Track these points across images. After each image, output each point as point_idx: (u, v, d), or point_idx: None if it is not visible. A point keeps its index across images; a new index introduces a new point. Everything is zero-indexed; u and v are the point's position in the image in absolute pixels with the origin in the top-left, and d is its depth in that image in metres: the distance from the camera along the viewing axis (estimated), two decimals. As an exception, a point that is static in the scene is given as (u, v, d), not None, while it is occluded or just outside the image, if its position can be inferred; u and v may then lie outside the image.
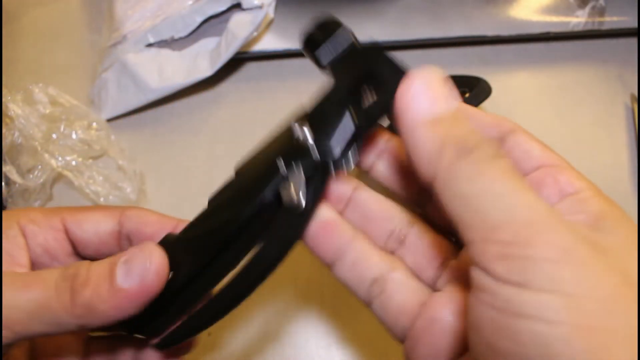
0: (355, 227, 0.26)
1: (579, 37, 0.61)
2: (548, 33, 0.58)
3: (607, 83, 0.59)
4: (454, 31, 0.58)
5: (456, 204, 0.19)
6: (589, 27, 0.59)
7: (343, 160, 0.24)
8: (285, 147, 0.26)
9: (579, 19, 0.58)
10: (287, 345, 0.47)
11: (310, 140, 0.25)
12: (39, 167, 0.49)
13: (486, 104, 0.47)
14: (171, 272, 0.25)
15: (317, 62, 0.27)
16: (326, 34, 0.27)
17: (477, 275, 0.18)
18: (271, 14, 0.56)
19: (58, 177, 0.52)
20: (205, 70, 0.55)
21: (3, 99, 0.50)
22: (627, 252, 0.18)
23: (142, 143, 0.56)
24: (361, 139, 0.24)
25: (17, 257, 0.25)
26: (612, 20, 0.59)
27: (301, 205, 0.24)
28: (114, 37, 0.57)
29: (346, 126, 0.24)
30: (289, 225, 0.24)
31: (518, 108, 0.58)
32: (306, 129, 0.25)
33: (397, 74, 0.23)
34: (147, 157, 0.55)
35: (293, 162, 0.24)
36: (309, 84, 0.60)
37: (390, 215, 0.27)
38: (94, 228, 0.28)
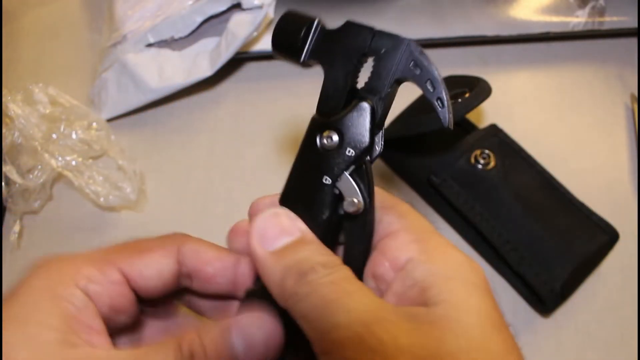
0: None
1: (579, 37, 0.61)
2: (548, 33, 0.58)
3: (607, 83, 0.59)
4: (454, 31, 0.58)
5: (302, 323, 0.22)
6: (589, 27, 0.59)
7: (374, 143, 0.25)
8: (319, 162, 0.26)
9: (579, 19, 0.58)
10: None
11: (336, 140, 0.25)
12: (39, 167, 0.49)
13: (486, 104, 0.47)
14: None
15: (296, 61, 0.27)
16: (294, 31, 0.27)
17: None
18: (271, 14, 0.56)
19: (58, 177, 0.52)
20: (205, 70, 0.55)
21: (3, 99, 0.50)
22: (446, 326, 0.21)
23: (142, 143, 0.56)
24: (379, 113, 0.25)
25: (92, 325, 0.23)
26: (612, 20, 0.59)
27: (364, 205, 0.25)
28: (114, 37, 0.57)
29: (361, 110, 0.25)
30: (364, 225, 0.25)
31: (518, 108, 0.58)
32: (325, 135, 0.26)
33: (388, 38, 0.25)
34: (147, 157, 0.55)
35: (334, 172, 0.25)
36: (308, 84, 0.60)
37: None
38: (156, 274, 0.26)
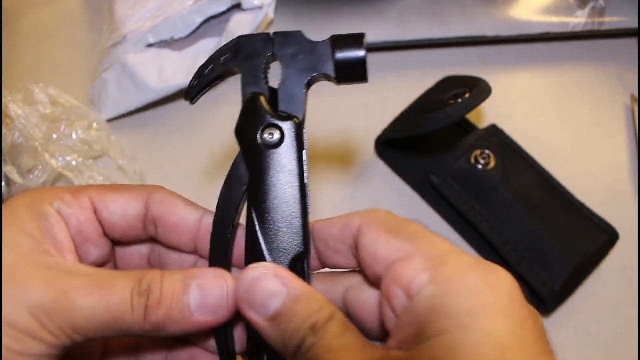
0: None
1: (579, 37, 0.61)
2: (548, 33, 0.58)
3: (607, 83, 0.59)
4: (454, 31, 0.58)
5: None
6: (589, 27, 0.59)
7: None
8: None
9: (579, 19, 0.58)
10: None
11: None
12: (39, 167, 0.49)
13: (486, 104, 0.47)
14: None
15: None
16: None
17: None
18: (271, 14, 0.56)
19: (58, 177, 0.52)
20: (205, 70, 0.55)
21: (3, 99, 0.50)
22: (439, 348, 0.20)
23: (142, 143, 0.56)
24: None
25: (63, 241, 0.25)
26: (612, 21, 0.59)
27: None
28: (114, 37, 0.57)
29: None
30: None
31: (518, 108, 0.58)
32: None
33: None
34: (147, 157, 0.55)
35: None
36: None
37: None
38: (122, 210, 0.27)
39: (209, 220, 0.28)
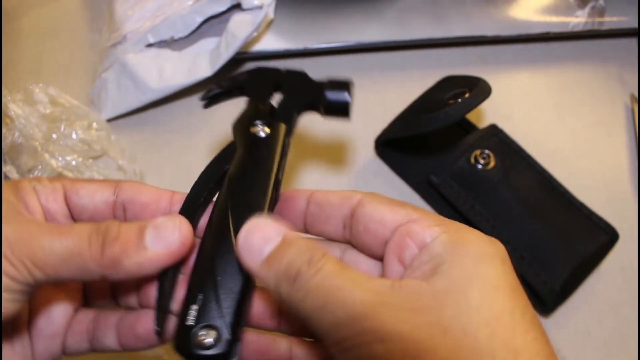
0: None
1: (579, 37, 0.61)
2: (548, 33, 0.58)
3: (607, 83, 0.59)
4: (454, 31, 0.58)
5: (306, 323, 0.24)
6: (589, 27, 0.59)
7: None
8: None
9: (579, 19, 0.59)
10: (287, 345, 0.47)
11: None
12: (39, 167, 0.49)
13: (486, 104, 0.47)
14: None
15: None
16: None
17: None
18: (271, 14, 0.56)
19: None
20: (205, 70, 0.55)
21: (3, 99, 0.50)
22: (450, 297, 0.22)
23: (142, 143, 0.56)
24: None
25: (35, 208, 0.27)
26: (612, 20, 0.59)
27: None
28: (114, 37, 0.57)
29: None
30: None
31: (518, 108, 0.58)
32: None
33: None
34: (147, 157, 0.55)
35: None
36: (309, 84, 0.60)
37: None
38: (90, 195, 0.29)
39: (181, 197, 0.30)
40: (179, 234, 0.26)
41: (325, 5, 0.59)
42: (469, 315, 0.22)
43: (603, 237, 0.47)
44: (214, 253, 0.27)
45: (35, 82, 0.53)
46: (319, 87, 0.34)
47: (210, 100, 0.38)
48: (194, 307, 0.26)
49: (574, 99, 0.59)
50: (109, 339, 0.30)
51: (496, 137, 0.51)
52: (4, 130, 0.49)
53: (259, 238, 0.25)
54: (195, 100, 0.59)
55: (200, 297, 0.26)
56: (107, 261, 0.25)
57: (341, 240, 0.29)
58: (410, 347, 0.21)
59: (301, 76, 0.35)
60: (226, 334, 0.25)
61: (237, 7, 0.55)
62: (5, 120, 0.50)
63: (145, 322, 0.29)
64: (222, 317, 0.25)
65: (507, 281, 0.23)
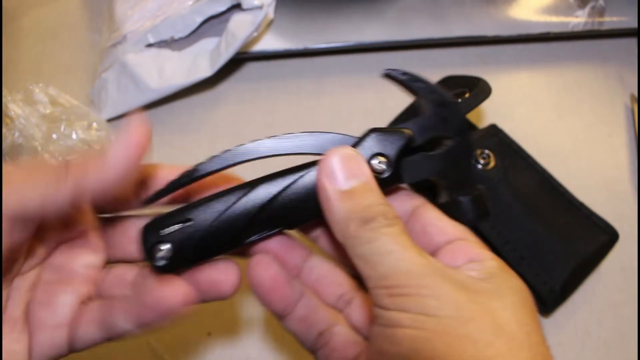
0: (308, 287, 0.31)
1: (579, 37, 0.61)
2: (548, 33, 0.58)
3: (607, 83, 0.59)
4: (454, 31, 0.58)
5: (358, 262, 0.25)
6: (589, 27, 0.59)
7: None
8: None
9: (579, 19, 0.58)
10: (287, 345, 0.47)
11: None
12: (39, 167, 0.49)
13: (486, 104, 0.47)
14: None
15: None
16: None
17: (374, 309, 0.25)
18: (271, 14, 0.56)
19: (58, 177, 0.52)
20: (205, 70, 0.55)
21: (3, 99, 0.50)
22: (498, 296, 0.25)
23: (142, 143, 0.56)
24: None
25: None
26: (611, 20, 0.59)
27: None
28: (114, 37, 0.57)
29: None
30: None
31: (518, 108, 0.58)
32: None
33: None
34: (147, 157, 0.54)
35: None
36: (308, 84, 0.60)
37: (340, 282, 0.32)
38: None
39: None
40: (137, 132, 0.26)
41: (325, 5, 0.59)
42: (492, 328, 0.24)
43: (603, 237, 0.47)
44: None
45: (35, 82, 0.53)
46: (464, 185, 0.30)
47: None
48: (176, 226, 0.27)
49: (574, 99, 0.59)
50: (121, 320, 0.28)
51: (496, 137, 0.51)
52: (4, 130, 0.49)
53: (346, 168, 0.26)
54: (195, 100, 0.59)
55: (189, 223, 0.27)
56: (74, 178, 0.25)
57: None
58: (463, 316, 0.23)
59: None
60: (167, 256, 0.27)
61: (237, 7, 0.55)
62: (5, 120, 0.50)
63: (151, 292, 0.28)
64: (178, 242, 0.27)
65: (533, 319, 0.26)
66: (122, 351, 0.47)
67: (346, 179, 0.26)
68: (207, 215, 0.27)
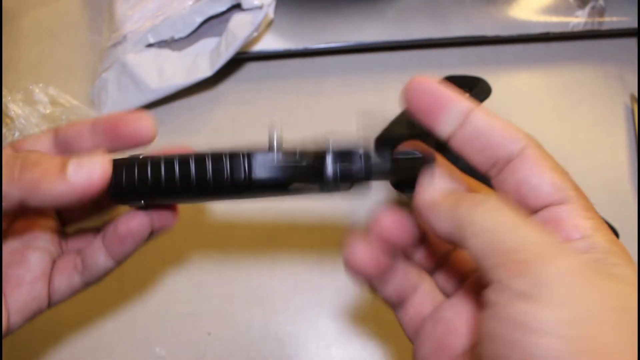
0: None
1: (579, 37, 0.61)
2: (548, 33, 0.58)
3: (607, 83, 0.59)
4: (454, 31, 0.58)
5: (476, 240, 0.21)
6: (589, 27, 0.59)
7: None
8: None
9: (578, 19, 0.58)
10: (287, 345, 0.47)
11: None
12: (39, 167, 0.49)
13: (486, 104, 0.47)
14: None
15: None
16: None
17: (493, 294, 0.20)
18: (271, 14, 0.56)
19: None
20: (205, 70, 0.55)
21: (3, 99, 0.50)
22: (631, 284, 0.20)
23: (142, 143, 0.56)
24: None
25: None
26: (611, 21, 0.59)
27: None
28: (114, 37, 0.57)
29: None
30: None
31: (518, 108, 0.58)
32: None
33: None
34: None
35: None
36: (308, 84, 0.60)
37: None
38: (33, 143, 0.30)
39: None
40: (100, 167, 0.26)
41: (325, 5, 0.59)
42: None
43: (603, 237, 0.47)
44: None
45: (35, 82, 0.53)
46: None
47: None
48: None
49: (574, 99, 0.59)
50: (100, 258, 0.31)
51: (496, 137, 0.51)
52: (4, 130, 0.50)
53: (443, 180, 0.26)
54: (195, 100, 0.59)
55: None
56: (26, 183, 0.25)
57: (482, 171, 0.28)
58: (612, 316, 0.18)
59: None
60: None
61: (237, 7, 0.55)
62: (5, 120, 0.50)
63: (122, 223, 0.30)
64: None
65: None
66: (122, 351, 0.47)
67: (425, 189, 0.26)
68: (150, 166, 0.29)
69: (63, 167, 0.26)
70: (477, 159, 0.27)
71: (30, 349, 0.47)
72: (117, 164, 0.28)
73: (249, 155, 0.29)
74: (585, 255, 0.22)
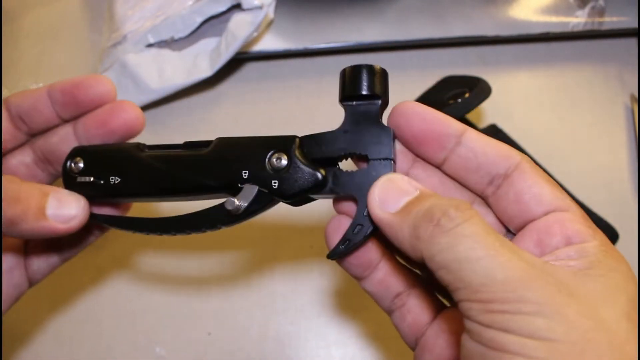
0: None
1: (579, 37, 0.61)
2: (548, 33, 0.58)
3: (607, 83, 0.59)
4: (454, 31, 0.58)
5: (442, 273, 0.22)
6: (589, 27, 0.59)
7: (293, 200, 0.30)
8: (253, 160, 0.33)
9: (578, 19, 0.59)
10: (287, 346, 0.47)
11: (284, 164, 0.31)
12: (39, 167, 0.49)
13: (486, 104, 0.47)
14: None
15: None
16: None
17: (467, 321, 0.22)
18: (271, 14, 0.56)
19: (58, 176, 0.52)
20: (205, 70, 0.55)
21: (3, 99, 0.50)
22: (606, 299, 0.21)
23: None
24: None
25: None
26: (611, 21, 0.59)
27: (239, 213, 0.30)
28: (114, 37, 0.57)
29: (317, 178, 0.29)
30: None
31: (518, 108, 0.58)
32: (276, 156, 0.32)
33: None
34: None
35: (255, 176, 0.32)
36: (308, 84, 0.60)
37: None
38: (28, 102, 0.32)
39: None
40: (79, 213, 0.27)
41: (325, 5, 0.59)
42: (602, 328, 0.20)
43: (603, 237, 0.47)
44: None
45: (35, 82, 0.53)
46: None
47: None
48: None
49: (574, 99, 0.59)
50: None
51: (496, 137, 0.51)
52: (4, 130, 0.49)
53: (394, 190, 0.25)
54: (195, 100, 0.59)
55: None
56: (7, 221, 0.26)
57: (477, 192, 0.27)
58: (577, 340, 0.20)
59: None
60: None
61: (237, 7, 0.55)
62: (5, 120, 0.50)
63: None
64: None
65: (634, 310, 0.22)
66: (122, 351, 0.47)
67: (397, 199, 0.24)
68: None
69: (42, 202, 0.27)
70: (472, 178, 0.27)
71: (30, 348, 0.47)
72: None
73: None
74: (572, 262, 0.23)
